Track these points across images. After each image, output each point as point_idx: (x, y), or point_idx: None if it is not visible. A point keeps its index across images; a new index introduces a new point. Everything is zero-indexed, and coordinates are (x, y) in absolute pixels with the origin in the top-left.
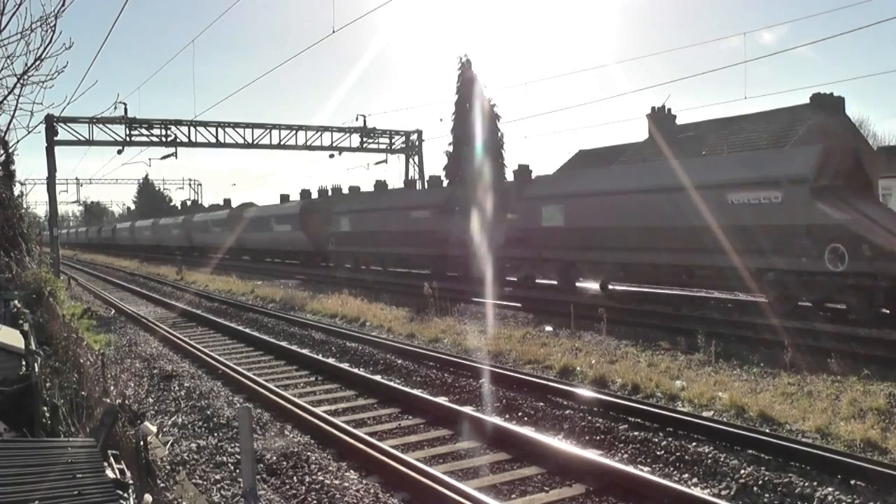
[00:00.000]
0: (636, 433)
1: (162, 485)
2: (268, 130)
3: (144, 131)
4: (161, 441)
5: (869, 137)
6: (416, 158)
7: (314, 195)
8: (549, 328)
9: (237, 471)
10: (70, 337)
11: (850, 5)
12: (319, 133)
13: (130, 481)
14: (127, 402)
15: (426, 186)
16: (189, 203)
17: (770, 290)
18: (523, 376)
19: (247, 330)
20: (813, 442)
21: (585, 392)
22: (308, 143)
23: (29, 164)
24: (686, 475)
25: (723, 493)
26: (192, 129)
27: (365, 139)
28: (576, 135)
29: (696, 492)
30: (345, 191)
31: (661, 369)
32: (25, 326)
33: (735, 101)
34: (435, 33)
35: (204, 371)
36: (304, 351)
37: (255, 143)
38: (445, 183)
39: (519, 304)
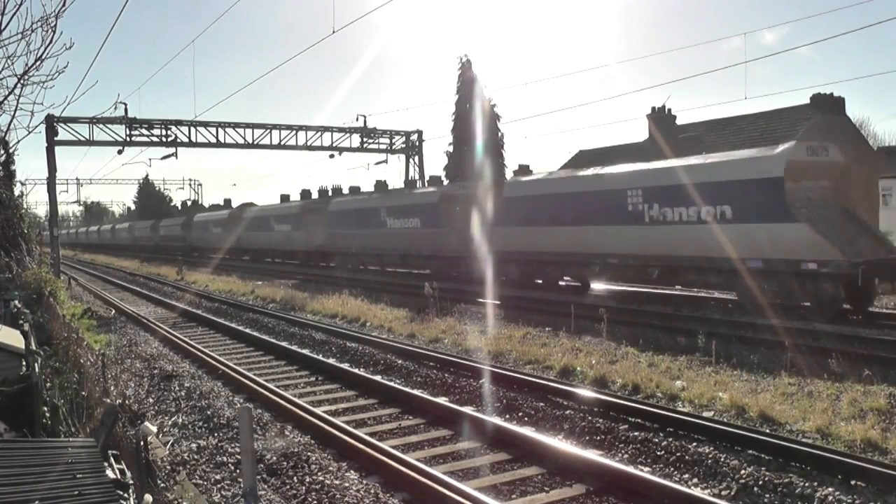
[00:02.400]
0: (636, 433)
1: (162, 485)
2: (268, 130)
3: (144, 131)
4: (161, 441)
5: (869, 137)
6: (417, 158)
7: (314, 195)
8: (549, 328)
9: (237, 471)
10: (70, 337)
11: (851, 6)
12: (319, 133)
13: (131, 481)
14: (127, 402)
15: (426, 186)
16: (189, 203)
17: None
18: (523, 376)
19: (247, 330)
20: (813, 442)
21: (586, 392)
22: (308, 144)
23: (29, 164)
24: (686, 475)
25: (723, 493)
26: (192, 129)
27: (365, 139)
28: (576, 135)
29: (697, 492)
30: (345, 191)
31: (661, 369)
32: (26, 327)
33: (735, 102)
34: (435, 33)
35: (204, 371)
36: (305, 351)
37: (255, 143)
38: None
39: (519, 305)
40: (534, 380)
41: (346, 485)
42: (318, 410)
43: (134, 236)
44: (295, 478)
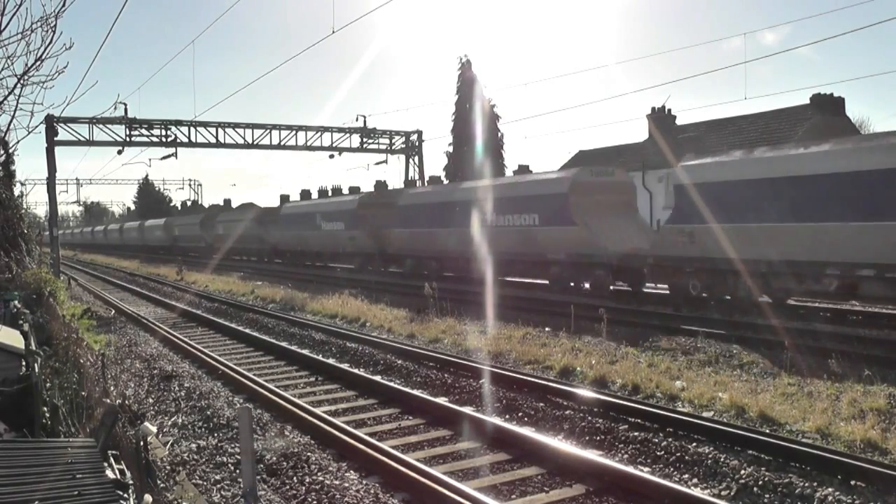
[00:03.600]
0: (636, 433)
1: (162, 485)
2: (268, 131)
3: (144, 131)
4: (161, 441)
5: None
6: (416, 159)
7: (314, 195)
8: (548, 328)
9: (237, 471)
10: (70, 337)
11: (851, 6)
12: (319, 133)
13: (130, 482)
14: (127, 402)
15: (426, 186)
16: (189, 203)
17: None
18: (523, 377)
19: (247, 330)
20: (813, 442)
21: (585, 392)
22: (308, 144)
23: (29, 164)
24: (686, 475)
25: (723, 493)
26: (192, 129)
27: (365, 139)
28: (576, 135)
29: (697, 492)
30: (345, 191)
31: (661, 369)
32: (25, 327)
33: (735, 102)
34: (435, 33)
35: (204, 371)
36: (305, 351)
37: (254, 143)
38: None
39: (519, 305)
40: (534, 380)
41: (346, 485)
42: (317, 410)
43: (173, 235)
44: (295, 478)
